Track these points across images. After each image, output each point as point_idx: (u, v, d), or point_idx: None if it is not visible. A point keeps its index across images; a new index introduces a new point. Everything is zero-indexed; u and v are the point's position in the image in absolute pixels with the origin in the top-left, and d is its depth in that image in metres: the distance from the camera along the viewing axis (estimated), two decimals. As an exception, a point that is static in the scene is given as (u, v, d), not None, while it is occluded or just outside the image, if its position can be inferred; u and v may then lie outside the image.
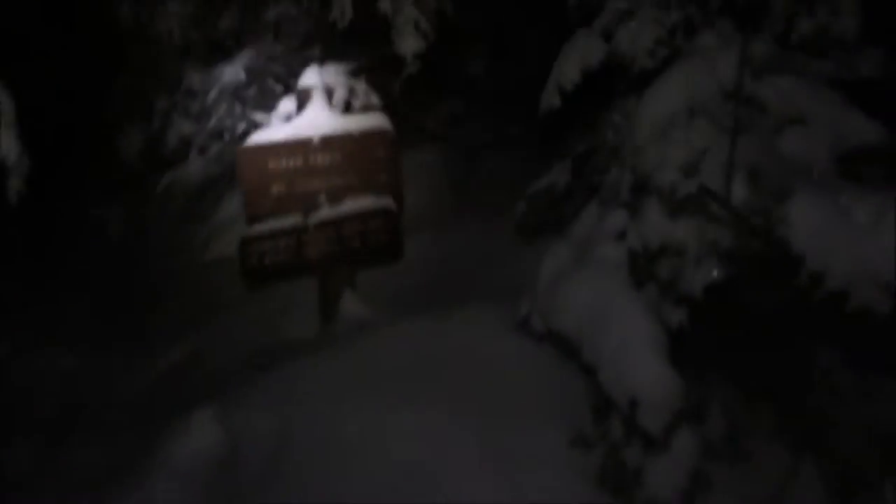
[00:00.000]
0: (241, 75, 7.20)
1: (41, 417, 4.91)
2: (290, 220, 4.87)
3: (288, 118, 5.12)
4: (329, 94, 5.17)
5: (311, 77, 5.04)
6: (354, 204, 4.80)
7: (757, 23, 3.54)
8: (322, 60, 5.80)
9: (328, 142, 4.83)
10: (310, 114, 4.94)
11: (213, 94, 7.33)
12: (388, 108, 5.55)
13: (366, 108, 5.31)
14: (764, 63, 3.40)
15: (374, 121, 4.92)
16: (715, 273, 2.90)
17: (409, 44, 5.39)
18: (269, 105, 6.60)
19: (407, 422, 3.50)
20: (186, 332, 5.79)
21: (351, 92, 5.37)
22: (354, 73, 5.53)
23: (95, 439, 4.31)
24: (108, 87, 8.40)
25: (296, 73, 5.76)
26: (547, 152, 4.81)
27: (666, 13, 3.68)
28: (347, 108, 5.33)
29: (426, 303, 4.67)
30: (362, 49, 5.99)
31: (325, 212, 4.84)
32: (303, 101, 5.01)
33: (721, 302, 2.97)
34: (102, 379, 5.35)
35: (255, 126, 6.49)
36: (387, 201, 4.82)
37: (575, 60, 3.75)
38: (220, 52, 7.51)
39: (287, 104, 5.32)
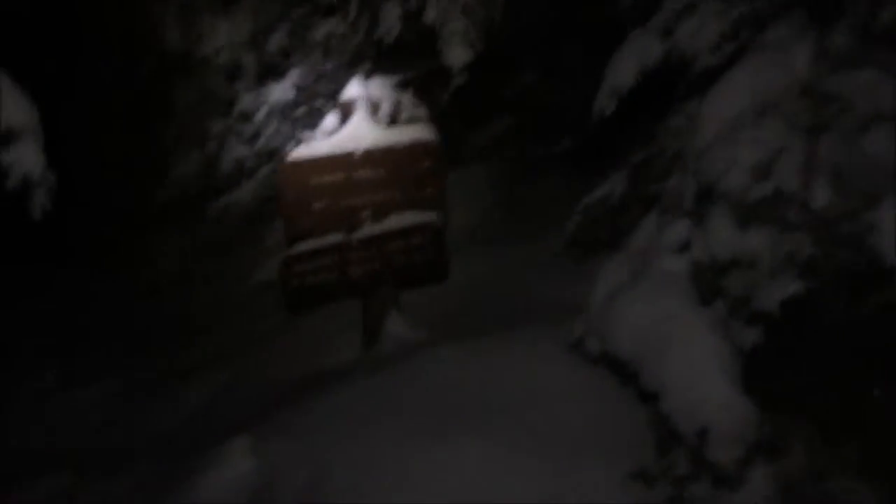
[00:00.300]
0: (290, 94, 7.10)
1: (75, 448, 4.79)
2: (333, 238, 4.67)
3: (332, 133, 4.94)
4: (374, 106, 4.99)
5: (354, 89, 4.86)
6: (399, 219, 4.57)
7: (834, 13, 3.21)
8: (370, 75, 5.64)
9: (372, 155, 4.63)
10: (353, 127, 4.74)
11: (261, 115, 7.24)
12: (435, 121, 5.34)
13: (412, 121, 5.10)
14: (843, 56, 3.07)
15: (419, 133, 4.70)
16: (794, 287, 2.57)
17: (456, 54, 5.17)
18: (317, 124, 6.47)
19: (453, 455, 3.25)
20: (229, 357, 5.66)
21: (397, 104, 5.17)
22: (401, 86, 5.33)
23: (129, 470, 4.16)
24: (160, 111, 8.47)
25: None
26: (600, 163, 4.52)
27: (730, 6, 3.38)
28: (393, 120, 5.14)
29: (474, 324, 4.43)
30: (410, 62, 5.81)
31: (369, 228, 4.63)
32: (346, 114, 4.82)
33: (800, 320, 2.63)
34: (140, 407, 5.23)
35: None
36: (432, 216, 4.58)
37: (631, 61, 3.47)
38: (270, 71, 7.43)
39: (331, 119, 5.14)
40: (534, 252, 5.06)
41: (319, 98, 6.91)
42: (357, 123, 4.74)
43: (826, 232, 2.60)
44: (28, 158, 2.98)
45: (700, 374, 2.73)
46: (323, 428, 3.66)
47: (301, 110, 7.11)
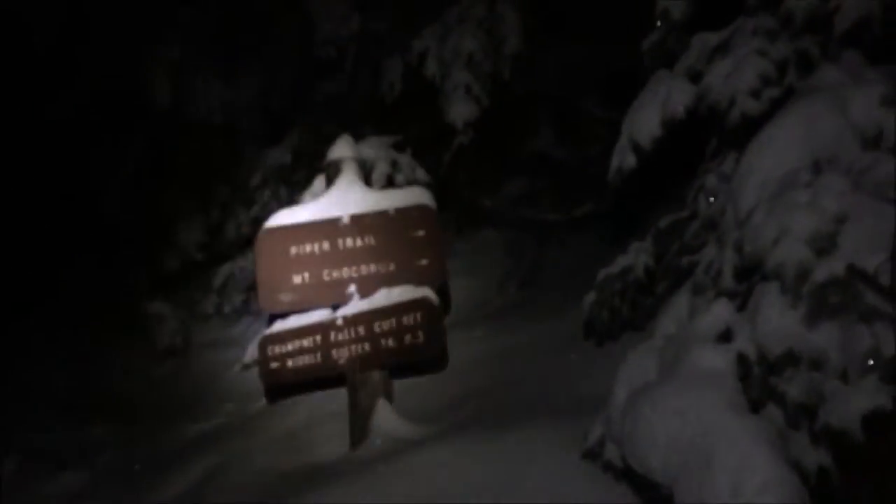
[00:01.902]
0: (288, 157, 6.67)
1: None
2: (316, 316, 4.10)
3: (318, 197, 4.41)
4: (367, 168, 4.48)
5: (342, 149, 4.33)
6: (389, 295, 3.99)
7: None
8: (368, 134, 5.18)
9: (359, 221, 4.08)
10: (340, 191, 4.21)
11: (257, 179, 6.81)
12: (439, 184, 4.82)
13: (410, 184, 4.57)
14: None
15: (414, 197, 4.15)
16: (878, 397, 1.94)
17: (458, 110, 4.72)
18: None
19: None
20: (216, 441, 5.08)
21: (394, 166, 4.66)
22: (399, 146, 4.82)
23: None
24: (160, 178, 8.12)
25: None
26: (622, 230, 3.93)
27: (773, 45, 2.83)
28: (389, 184, 4.62)
29: (476, 418, 3.81)
30: (412, 121, 5.33)
31: (356, 304, 4.05)
32: (332, 176, 4.30)
33: (887, 440, 1.99)
34: (120, 495, 4.64)
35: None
36: (427, 292, 4.00)
37: (654, 108, 2.92)
38: (268, 134, 7.05)
39: (319, 182, 4.64)
40: (550, 331, 4.43)
41: (318, 161, 6.49)
42: (345, 187, 4.21)
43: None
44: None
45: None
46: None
47: (300, 175, 6.68)
